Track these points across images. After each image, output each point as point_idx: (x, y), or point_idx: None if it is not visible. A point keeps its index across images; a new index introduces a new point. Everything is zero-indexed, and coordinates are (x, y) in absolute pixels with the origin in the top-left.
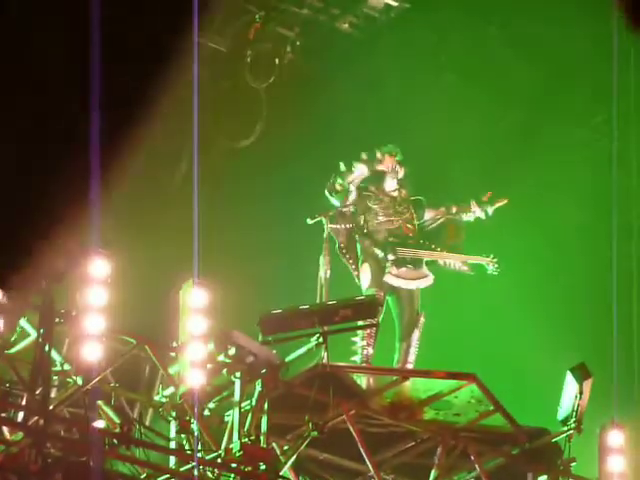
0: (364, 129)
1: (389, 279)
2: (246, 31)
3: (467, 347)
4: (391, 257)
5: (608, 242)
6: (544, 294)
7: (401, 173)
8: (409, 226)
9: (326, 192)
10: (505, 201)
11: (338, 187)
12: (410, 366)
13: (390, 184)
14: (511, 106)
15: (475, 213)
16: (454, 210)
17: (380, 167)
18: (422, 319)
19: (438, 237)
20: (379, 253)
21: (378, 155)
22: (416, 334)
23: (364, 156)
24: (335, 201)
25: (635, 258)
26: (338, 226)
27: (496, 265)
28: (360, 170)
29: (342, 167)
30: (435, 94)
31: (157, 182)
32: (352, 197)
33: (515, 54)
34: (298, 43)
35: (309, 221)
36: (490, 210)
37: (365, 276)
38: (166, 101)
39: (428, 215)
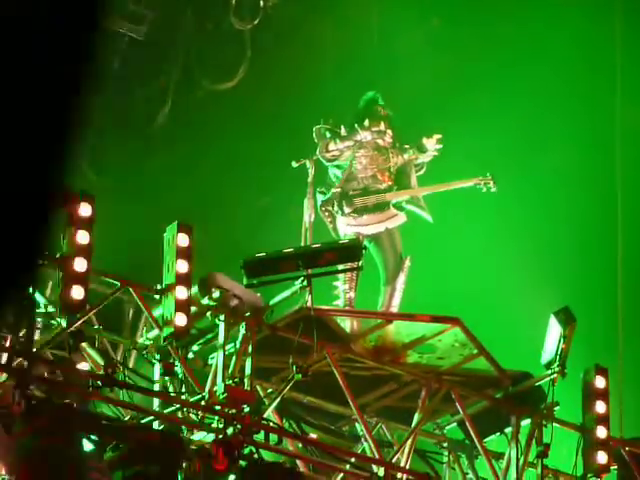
0: (348, 72)
1: (349, 230)
2: None
3: (452, 290)
4: (347, 209)
5: (593, 185)
6: (529, 237)
7: (384, 114)
8: (386, 173)
9: (317, 152)
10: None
11: (332, 148)
12: (394, 310)
13: (375, 128)
14: (496, 50)
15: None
16: (406, 157)
17: (375, 128)
18: (408, 263)
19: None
20: (336, 209)
21: (366, 123)
22: (401, 278)
23: (367, 123)
24: (326, 162)
25: (620, 202)
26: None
27: (492, 182)
28: (362, 136)
29: (343, 131)
30: (419, 38)
31: (140, 123)
32: (340, 146)
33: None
34: None
35: (294, 164)
36: (432, 147)
37: (341, 225)
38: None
39: (402, 160)
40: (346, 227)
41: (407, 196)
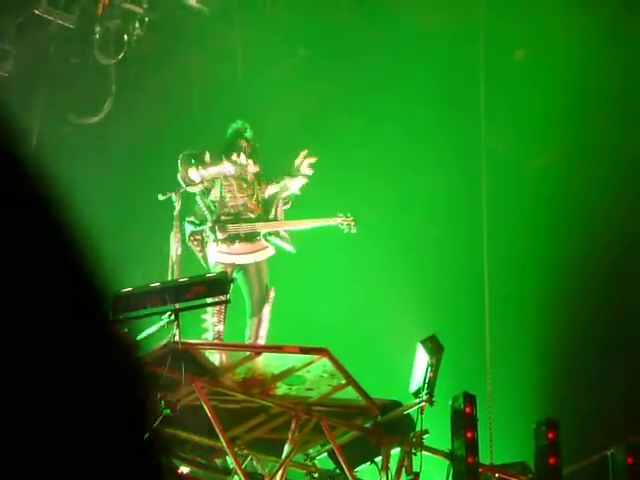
0: (215, 105)
1: (221, 258)
2: (94, 8)
3: (319, 321)
4: (221, 236)
5: (461, 213)
6: (396, 266)
7: (247, 152)
8: (254, 202)
9: (179, 177)
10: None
11: (193, 175)
12: (262, 341)
13: (241, 159)
14: (366, 77)
15: (292, 184)
16: (272, 190)
17: (235, 158)
18: (272, 294)
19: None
20: (208, 234)
21: (234, 157)
22: (267, 309)
23: (235, 157)
24: (186, 187)
25: (486, 230)
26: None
27: (353, 224)
28: (226, 168)
29: (207, 158)
30: (287, 68)
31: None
32: (203, 173)
33: (369, 28)
34: (147, 19)
35: (160, 197)
36: (305, 170)
37: (211, 256)
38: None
39: (272, 190)
40: (217, 255)
41: (277, 228)
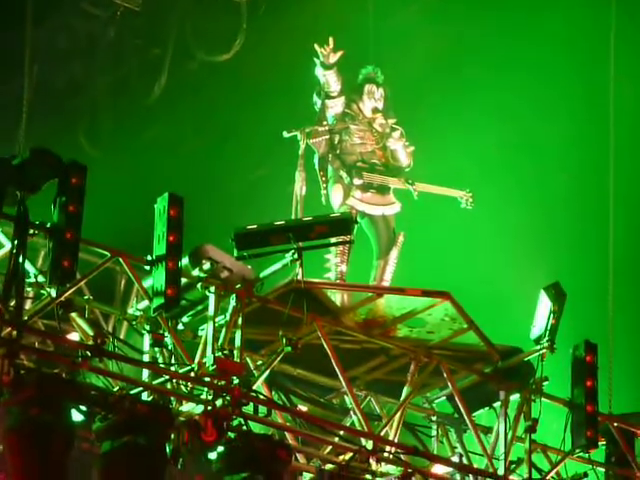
0: (346, 45)
1: (353, 203)
2: None
3: (443, 265)
4: (357, 181)
5: (587, 160)
6: (521, 213)
7: (379, 96)
8: (381, 152)
9: (315, 96)
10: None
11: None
12: (386, 284)
13: (369, 106)
14: (493, 22)
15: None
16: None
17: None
18: (401, 238)
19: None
20: (345, 177)
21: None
22: (394, 252)
23: (363, 103)
24: (317, 99)
25: (613, 176)
26: (319, 139)
27: (470, 200)
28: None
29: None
30: (415, 10)
31: (136, 94)
32: (335, 111)
33: None
34: None
35: (285, 134)
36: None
37: (336, 196)
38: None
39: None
40: (349, 199)
41: (406, 187)
